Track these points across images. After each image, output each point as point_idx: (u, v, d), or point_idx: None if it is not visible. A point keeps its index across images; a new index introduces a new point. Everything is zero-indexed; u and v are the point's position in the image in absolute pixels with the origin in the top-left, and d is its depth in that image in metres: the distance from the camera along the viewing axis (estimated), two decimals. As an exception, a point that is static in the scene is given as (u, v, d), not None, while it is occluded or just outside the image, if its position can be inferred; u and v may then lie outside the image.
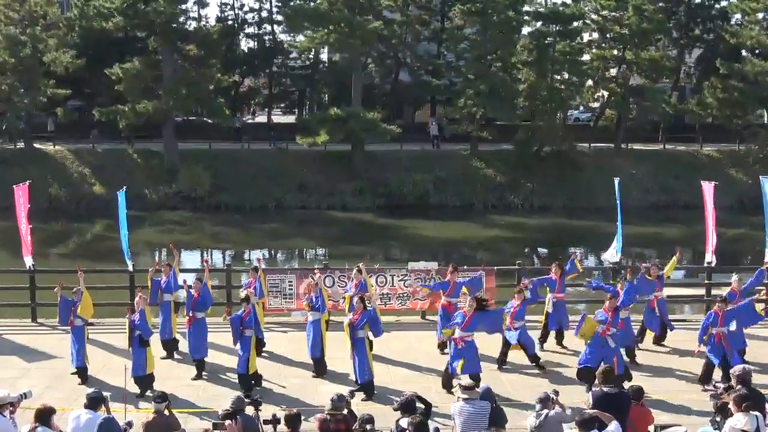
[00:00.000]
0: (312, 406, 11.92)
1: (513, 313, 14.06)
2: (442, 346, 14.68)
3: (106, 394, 9.16)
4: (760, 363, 13.96)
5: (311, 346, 13.68)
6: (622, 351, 13.52)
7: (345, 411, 8.81)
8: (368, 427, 8.29)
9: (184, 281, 14.93)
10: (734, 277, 15.08)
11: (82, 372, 13.37)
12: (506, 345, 14.27)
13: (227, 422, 8.27)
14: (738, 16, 48.95)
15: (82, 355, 13.41)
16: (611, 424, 8.00)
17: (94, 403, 8.90)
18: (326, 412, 8.81)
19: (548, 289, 15.43)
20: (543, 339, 15.26)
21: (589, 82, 47.64)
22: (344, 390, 10.13)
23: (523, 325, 14.11)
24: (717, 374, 13.21)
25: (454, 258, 26.73)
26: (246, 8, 55.04)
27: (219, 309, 16.12)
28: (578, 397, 11.80)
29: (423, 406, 8.91)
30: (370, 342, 13.16)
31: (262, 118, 58.56)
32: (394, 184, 41.09)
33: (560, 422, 8.89)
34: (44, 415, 8.36)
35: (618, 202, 18.03)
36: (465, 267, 18.05)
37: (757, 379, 11.95)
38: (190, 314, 13.80)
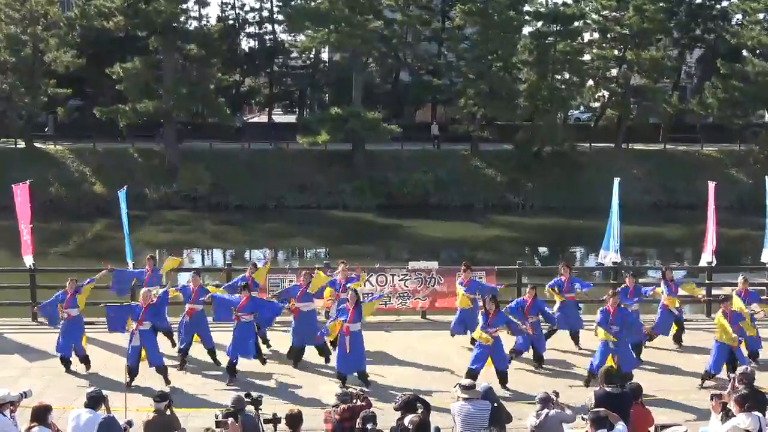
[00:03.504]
0: (313, 404, 11.96)
1: (527, 309, 14.07)
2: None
3: (105, 393, 9.10)
4: (759, 363, 14.01)
5: None
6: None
7: (353, 403, 8.96)
8: (369, 426, 8.29)
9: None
10: (740, 278, 15.13)
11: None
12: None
13: (229, 420, 8.27)
14: (739, 16, 49.33)
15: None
16: (618, 424, 8.03)
17: (94, 402, 8.86)
18: (332, 406, 9.01)
19: (557, 289, 15.43)
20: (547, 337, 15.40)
21: (590, 82, 47.96)
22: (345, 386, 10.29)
23: (538, 320, 14.26)
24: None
25: (454, 258, 26.84)
26: (247, 8, 55.10)
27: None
28: (579, 397, 11.76)
29: (422, 407, 8.83)
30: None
31: (262, 118, 58.82)
32: (395, 184, 41.28)
33: (561, 422, 8.89)
34: (40, 414, 8.31)
35: (617, 202, 17.94)
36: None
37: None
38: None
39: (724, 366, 13.14)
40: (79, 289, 14.08)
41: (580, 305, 15.94)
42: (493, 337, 12.83)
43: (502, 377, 12.92)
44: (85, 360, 13.84)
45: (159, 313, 13.71)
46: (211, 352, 14.05)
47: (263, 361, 13.99)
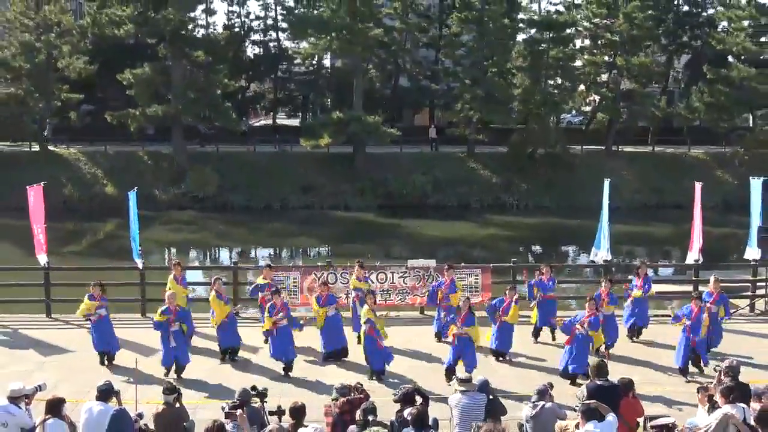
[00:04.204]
0: (316, 397, 12.08)
1: (503, 309, 14.50)
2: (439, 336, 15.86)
3: (117, 387, 9.30)
4: (757, 360, 14.45)
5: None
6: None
7: (351, 396, 9.20)
8: (370, 418, 8.31)
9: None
10: (711, 278, 15.37)
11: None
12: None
13: (238, 412, 8.40)
14: (724, 23, 50.00)
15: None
16: (609, 415, 8.11)
17: (104, 395, 8.99)
18: (331, 399, 9.31)
19: (538, 288, 15.84)
20: (536, 335, 15.98)
21: (581, 87, 48.62)
22: (347, 380, 10.86)
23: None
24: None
25: (452, 256, 27.47)
26: (252, 16, 55.74)
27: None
28: (570, 390, 12.12)
29: (421, 399, 8.97)
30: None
31: (267, 122, 59.15)
32: (395, 185, 41.84)
33: (555, 415, 9.04)
34: (54, 406, 8.46)
35: (606, 203, 18.21)
36: (462, 264, 18.32)
37: (756, 375, 12.89)
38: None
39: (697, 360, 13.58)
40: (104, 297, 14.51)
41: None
42: (462, 337, 13.06)
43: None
44: (111, 357, 14.29)
45: (187, 315, 14.30)
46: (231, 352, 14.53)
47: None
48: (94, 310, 14.22)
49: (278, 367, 13.94)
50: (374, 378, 13.41)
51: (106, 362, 14.27)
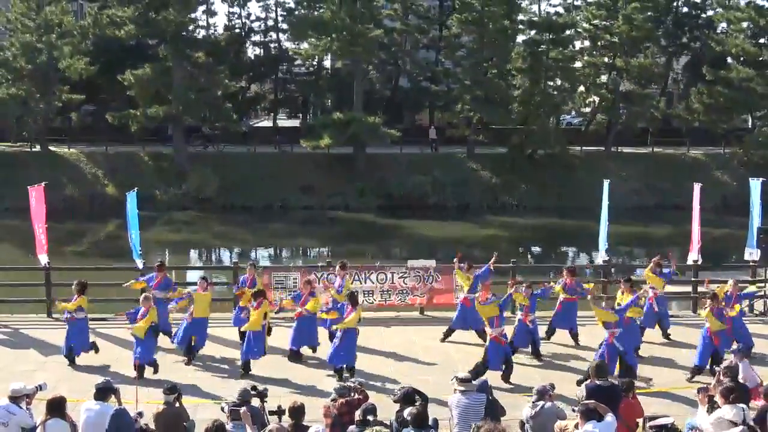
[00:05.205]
0: (315, 397, 12.06)
1: (527, 309, 14.40)
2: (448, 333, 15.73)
3: (117, 386, 9.33)
4: (757, 360, 14.28)
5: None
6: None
7: (352, 396, 9.19)
8: (370, 418, 8.33)
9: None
10: (730, 281, 15.25)
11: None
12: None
13: (242, 410, 8.45)
14: (723, 24, 50.36)
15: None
16: (607, 415, 8.10)
17: (102, 393, 8.99)
18: (330, 400, 9.33)
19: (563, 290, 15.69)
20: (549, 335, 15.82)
21: (581, 88, 48.82)
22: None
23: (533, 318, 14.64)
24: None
25: (452, 256, 27.56)
26: (252, 17, 56.08)
27: (227, 305, 17.24)
28: (572, 390, 11.97)
29: (420, 399, 8.95)
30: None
31: (268, 122, 59.55)
32: (395, 186, 42.10)
33: (555, 415, 9.01)
34: (56, 406, 8.45)
35: (606, 203, 18.33)
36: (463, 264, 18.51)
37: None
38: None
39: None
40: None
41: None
42: (503, 336, 13.24)
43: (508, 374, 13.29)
44: (72, 359, 14.19)
45: (160, 314, 14.05)
46: (191, 351, 14.35)
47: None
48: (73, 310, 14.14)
49: (278, 367, 14.01)
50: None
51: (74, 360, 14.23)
